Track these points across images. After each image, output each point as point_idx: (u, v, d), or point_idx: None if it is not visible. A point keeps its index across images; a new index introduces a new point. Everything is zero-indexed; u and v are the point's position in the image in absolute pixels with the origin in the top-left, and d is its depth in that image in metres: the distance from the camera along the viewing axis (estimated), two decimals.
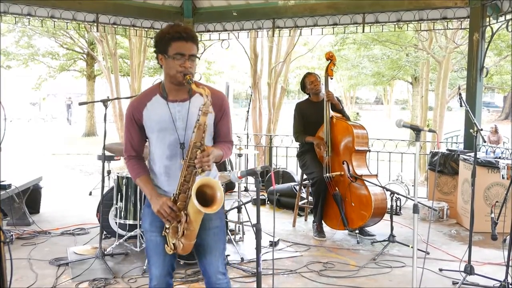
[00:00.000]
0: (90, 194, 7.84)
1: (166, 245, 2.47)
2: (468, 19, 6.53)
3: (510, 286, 3.78)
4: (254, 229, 2.48)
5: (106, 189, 5.01)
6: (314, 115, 5.45)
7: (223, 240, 2.63)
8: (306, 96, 5.70)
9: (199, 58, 2.47)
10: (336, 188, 5.27)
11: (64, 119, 30.40)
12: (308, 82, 5.55)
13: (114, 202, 4.83)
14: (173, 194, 2.42)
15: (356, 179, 5.15)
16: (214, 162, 2.46)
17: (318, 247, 5.13)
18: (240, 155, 5.54)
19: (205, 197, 2.36)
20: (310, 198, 5.94)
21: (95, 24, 7.54)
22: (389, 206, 5.21)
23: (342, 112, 5.45)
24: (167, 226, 2.45)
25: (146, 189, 2.50)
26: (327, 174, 5.28)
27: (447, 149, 6.92)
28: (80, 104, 5.12)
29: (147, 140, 2.57)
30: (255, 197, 2.48)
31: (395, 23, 7.16)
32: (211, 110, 2.35)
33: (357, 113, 32.03)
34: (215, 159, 2.43)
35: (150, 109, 2.47)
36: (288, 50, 10.99)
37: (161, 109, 2.46)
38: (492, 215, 3.85)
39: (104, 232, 5.01)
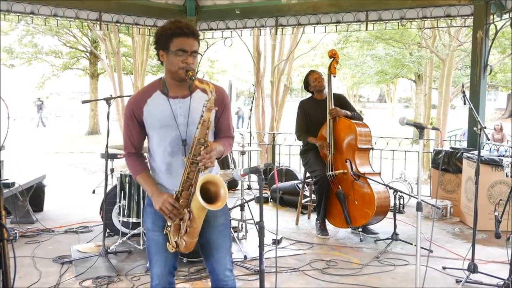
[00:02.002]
0: (94, 192, 7.86)
1: (168, 243, 2.45)
2: (472, 17, 6.51)
3: None
4: (257, 227, 2.48)
5: (109, 187, 5.01)
6: (318, 113, 5.44)
7: (229, 236, 2.62)
8: (310, 95, 5.70)
9: (201, 55, 2.47)
10: (339, 186, 5.26)
11: (36, 122, 27.23)
12: (311, 80, 5.55)
13: (117, 200, 4.84)
14: (176, 192, 2.40)
15: (359, 177, 5.14)
16: (216, 158, 2.44)
17: (321, 245, 5.12)
18: (243, 153, 5.54)
19: (209, 194, 2.35)
20: (313, 196, 5.94)
21: (98, 22, 7.53)
22: (392, 204, 5.20)
23: (354, 117, 5.39)
24: (169, 224, 2.42)
25: (147, 186, 2.48)
26: (330, 172, 5.27)
27: (451, 147, 6.90)
28: (83, 102, 5.15)
29: (146, 136, 2.55)
30: (258, 195, 2.48)
31: (398, 21, 7.13)
32: (216, 106, 2.35)
33: (360, 111, 31.91)
34: (217, 155, 2.42)
35: (151, 106, 2.45)
36: (291, 48, 10.98)
37: (162, 105, 2.44)
38: (496, 213, 3.84)
39: (108, 230, 5.02)
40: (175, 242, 2.42)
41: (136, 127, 2.49)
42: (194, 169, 2.36)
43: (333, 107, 5.32)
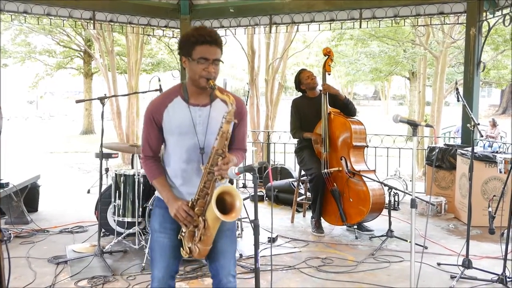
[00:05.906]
0: (88, 192, 7.84)
1: (181, 249, 2.46)
2: (465, 14, 6.54)
3: (508, 279, 3.80)
4: (252, 225, 2.48)
5: (104, 187, 5.01)
6: (311, 111, 5.45)
7: (235, 242, 2.62)
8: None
9: (223, 62, 2.43)
10: (334, 184, 5.27)
11: None
12: (304, 78, 5.54)
13: (112, 199, 4.83)
14: (191, 199, 2.40)
15: (354, 175, 5.16)
16: None
17: (316, 243, 5.14)
18: None
19: (224, 205, 2.35)
20: (308, 194, 5.95)
21: (92, 21, 7.51)
22: (387, 201, 5.22)
23: (347, 103, 5.41)
24: (183, 230, 2.42)
25: (163, 191, 2.47)
26: (325, 170, 5.28)
27: (445, 144, 6.93)
28: (77, 102, 5.12)
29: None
30: (253, 193, 2.48)
31: (392, 19, 7.15)
32: (234, 118, 2.34)
33: (355, 109, 31.98)
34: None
35: (171, 111, 2.43)
36: (285, 46, 10.97)
37: (182, 112, 2.42)
38: (490, 209, 3.86)
39: (103, 230, 5.01)
40: (189, 248, 2.42)
41: (155, 131, 2.47)
42: (210, 178, 2.36)
43: (328, 104, 5.33)
